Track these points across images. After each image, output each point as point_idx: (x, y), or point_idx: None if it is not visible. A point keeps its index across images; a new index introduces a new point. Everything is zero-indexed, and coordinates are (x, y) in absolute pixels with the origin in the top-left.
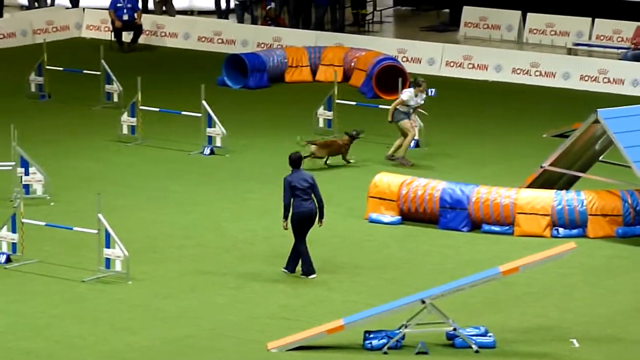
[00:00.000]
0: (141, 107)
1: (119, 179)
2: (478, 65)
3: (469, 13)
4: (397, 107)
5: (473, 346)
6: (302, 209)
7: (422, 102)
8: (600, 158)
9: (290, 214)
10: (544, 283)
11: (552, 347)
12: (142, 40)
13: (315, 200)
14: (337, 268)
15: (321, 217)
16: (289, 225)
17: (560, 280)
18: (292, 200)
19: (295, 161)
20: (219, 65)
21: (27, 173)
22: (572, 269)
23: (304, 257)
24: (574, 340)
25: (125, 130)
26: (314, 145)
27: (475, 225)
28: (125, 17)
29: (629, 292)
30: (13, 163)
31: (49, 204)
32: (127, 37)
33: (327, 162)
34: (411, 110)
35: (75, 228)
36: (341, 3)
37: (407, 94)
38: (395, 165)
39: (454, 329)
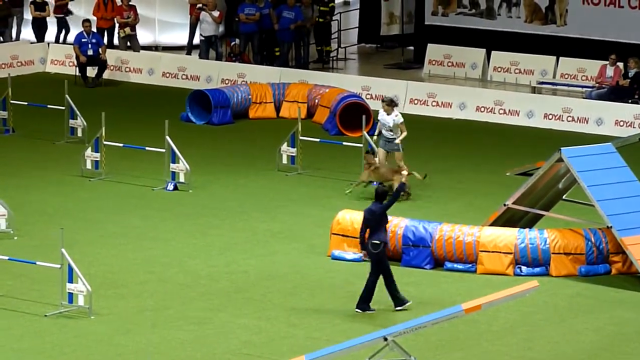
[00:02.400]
0: (105, 142)
1: (82, 213)
2: (442, 103)
3: (433, 51)
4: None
5: None
6: (368, 243)
7: (386, 122)
8: (564, 197)
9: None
10: (507, 321)
11: None
12: (106, 75)
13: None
14: (299, 304)
15: (399, 190)
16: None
17: (523, 318)
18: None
19: (379, 195)
20: (183, 101)
21: None
22: (535, 308)
23: (366, 288)
24: None
25: (89, 165)
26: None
27: (438, 263)
28: (90, 52)
29: (592, 331)
30: None
31: (12, 238)
32: (91, 72)
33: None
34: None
35: (38, 262)
36: (305, 40)
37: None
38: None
39: None
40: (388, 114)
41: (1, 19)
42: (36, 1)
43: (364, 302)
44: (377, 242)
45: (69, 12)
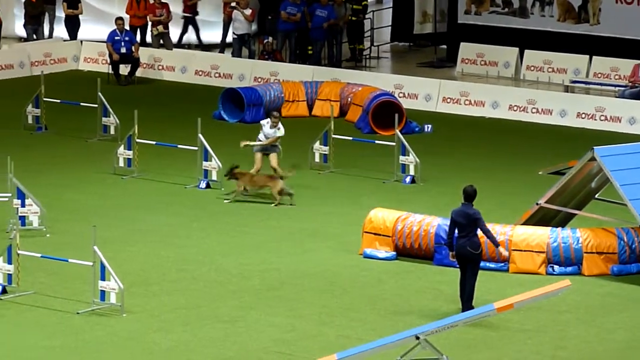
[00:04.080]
0: (138, 140)
1: (114, 211)
2: (475, 101)
3: (466, 49)
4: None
5: None
6: (457, 245)
7: (276, 135)
8: (596, 196)
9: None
10: (539, 320)
11: None
12: (139, 73)
13: (483, 234)
14: (331, 303)
15: (495, 244)
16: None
17: (555, 317)
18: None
19: (470, 195)
20: (216, 99)
21: (23, 204)
22: (567, 307)
23: (460, 290)
24: None
25: (121, 163)
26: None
27: None
28: (123, 50)
29: (624, 330)
30: (9, 194)
31: (45, 235)
32: (124, 70)
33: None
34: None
35: (70, 260)
36: (338, 38)
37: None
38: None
39: None
40: (273, 127)
41: (35, 16)
42: None
43: (468, 301)
44: (477, 242)
45: (197, 13)
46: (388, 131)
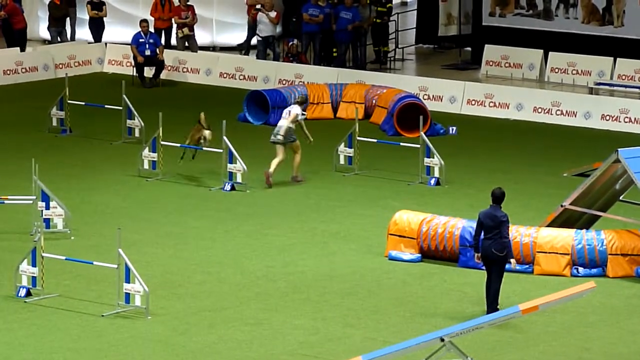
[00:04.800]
0: (162, 143)
1: (139, 213)
2: (499, 103)
3: (490, 51)
4: (291, 125)
5: None
6: (482, 247)
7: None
8: (621, 197)
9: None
10: (564, 322)
11: None
12: (164, 75)
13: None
14: (356, 305)
15: (509, 256)
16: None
17: (580, 319)
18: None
19: (498, 197)
20: (241, 101)
21: (47, 207)
22: (592, 309)
23: (486, 292)
24: None
25: (146, 165)
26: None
27: None
28: (148, 53)
29: None
30: (34, 197)
31: (70, 238)
32: (149, 72)
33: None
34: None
35: (95, 262)
36: (363, 40)
37: (299, 109)
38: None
39: None
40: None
41: (59, 18)
42: (93, 1)
43: (493, 303)
44: (503, 244)
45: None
46: (413, 133)
